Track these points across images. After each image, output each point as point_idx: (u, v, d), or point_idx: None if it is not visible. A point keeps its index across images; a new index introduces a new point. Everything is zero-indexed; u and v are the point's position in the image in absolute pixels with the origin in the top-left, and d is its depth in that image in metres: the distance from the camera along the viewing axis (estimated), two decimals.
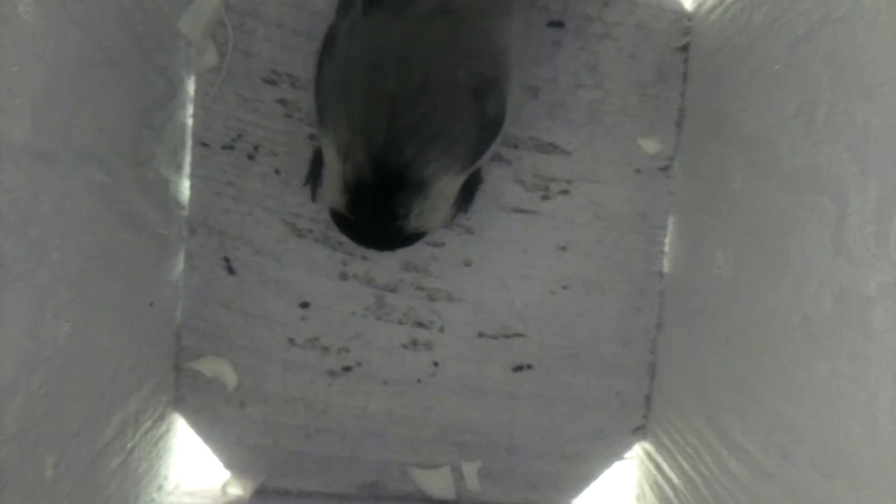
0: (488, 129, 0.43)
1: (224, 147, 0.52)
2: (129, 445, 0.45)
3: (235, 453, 0.55)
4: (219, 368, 0.53)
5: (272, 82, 0.52)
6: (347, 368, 0.55)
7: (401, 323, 0.55)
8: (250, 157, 0.53)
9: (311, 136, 0.53)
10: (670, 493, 0.51)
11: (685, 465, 0.49)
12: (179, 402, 0.54)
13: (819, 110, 0.35)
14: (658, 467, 0.53)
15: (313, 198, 0.53)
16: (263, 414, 0.54)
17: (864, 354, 0.31)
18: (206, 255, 0.53)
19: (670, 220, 0.55)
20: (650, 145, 0.55)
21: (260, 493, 0.54)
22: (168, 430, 0.52)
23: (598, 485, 0.57)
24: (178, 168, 0.51)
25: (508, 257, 0.55)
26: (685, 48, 0.54)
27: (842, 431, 0.32)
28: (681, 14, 0.54)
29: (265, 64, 0.52)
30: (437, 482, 0.56)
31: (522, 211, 0.55)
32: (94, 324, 0.38)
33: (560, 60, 0.54)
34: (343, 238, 0.54)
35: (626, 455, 0.57)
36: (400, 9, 0.41)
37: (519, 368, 0.56)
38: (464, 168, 0.43)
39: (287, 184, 0.53)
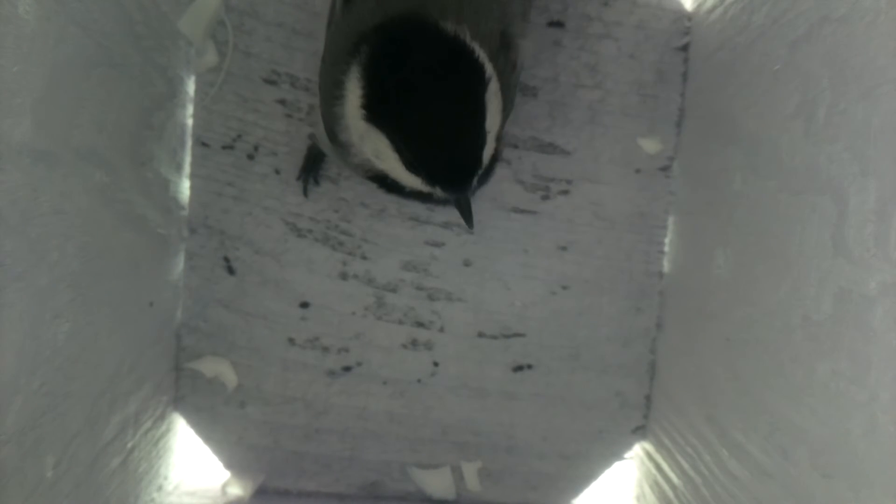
0: (519, 77, 0.44)
1: (224, 147, 0.52)
2: (129, 445, 0.45)
3: (235, 453, 0.55)
4: (219, 368, 0.53)
5: (272, 82, 0.52)
6: (347, 368, 0.55)
7: (401, 323, 0.55)
8: (250, 157, 0.53)
9: (311, 136, 0.53)
10: (670, 493, 0.51)
11: (685, 465, 0.49)
12: (179, 402, 0.54)
13: (819, 110, 0.35)
14: (658, 467, 0.53)
15: (305, 193, 0.53)
16: (263, 414, 0.54)
17: (864, 354, 0.31)
18: (206, 255, 0.53)
19: (670, 220, 0.55)
20: (650, 145, 0.55)
21: (260, 493, 0.54)
22: (168, 430, 0.52)
23: (598, 485, 0.57)
24: (178, 168, 0.51)
25: (508, 257, 0.55)
26: (685, 48, 0.54)
27: (842, 431, 0.32)
28: (681, 14, 0.54)
29: (265, 64, 0.52)
30: (437, 482, 0.56)
31: (522, 211, 0.55)
32: (94, 324, 0.38)
33: (560, 60, 0.54)
34: (343, 238, 0.54)
35: (626, 455, 0.57)
36: None
37: (519, 368, 0.56)
38: (505, 118, 0.43)
39: (287, 184, 0.53)
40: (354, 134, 0.40)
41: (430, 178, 0.38)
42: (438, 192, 0.38)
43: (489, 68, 0.38)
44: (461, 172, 0.38)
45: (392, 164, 0.39)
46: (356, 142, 0.40)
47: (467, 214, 0.39)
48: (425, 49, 0.37)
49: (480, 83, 0.38)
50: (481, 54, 0.38)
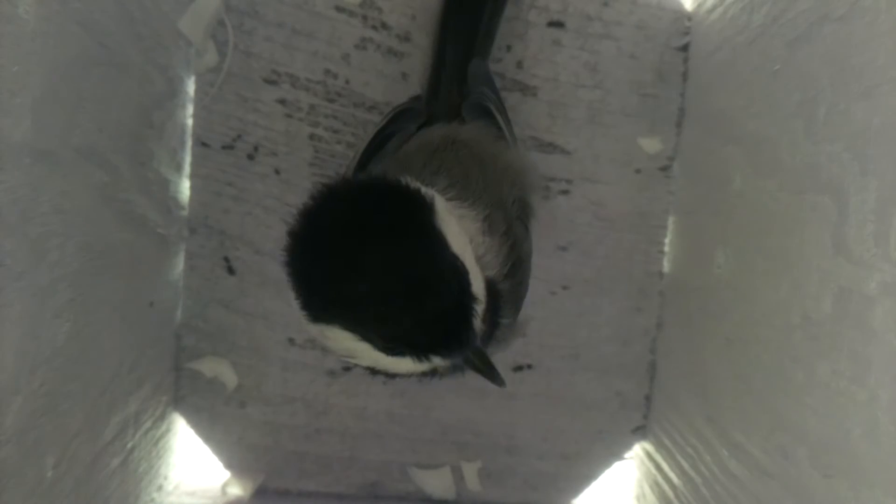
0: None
1: (224, 147, 0.52)
2: (129, 445, 0.45)
3: (235, 453, 0.55)
4: (219, 368, 0.53)
5: (272, 82, 0.52)
6: (347, 368, 0.55)
7: None
8: (250, 157, 0.53)
9: (311, 136, 0.53)
10: (670, 493, 0.51)
11: (685, 465, 0.49)
12: (179, 402, 0.54)
13: (819, 110, 0.35)
14: (658, 467, 0.53)
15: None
16: (263, 414, 0.54)
17: (864, 354, 0.31)
18: (206, 255, 0.53)
19: (670, 220, 0.55)
20: (650, 145, 0.55)
21: (260, 493, 0.54)
22: (168, 430, 0.52)
23: (598, 485, 0.57)
24: (178, 168, 0.51)
25: None
26: (685, 48, 0.54)
27: (842, 431, 0.32)
28: (681, 14, 0.54)
29: (265, 64, 0.52)
30: (437, 482, 0.56)
31: None
32: (94, 324, 0.38)
33: (560, 60, 0.54)
34: None
35: (626, 455, 0.57)
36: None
37: (519, 368, 0.56)
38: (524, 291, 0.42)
39: (287, 184, 0.53)
40: (319, 338, 0.33)
41: (414, 350, 0.29)
42: (438, 361, 0.30)
43: (425, 193, 0.31)
44: (443, 324, 0.29)
45: (372, 357, 0.31)
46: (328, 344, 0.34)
47: (489, 371, 0.31)
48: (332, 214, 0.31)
49: (419, 209, 0.30)
50: (410, 183, 0.32)
